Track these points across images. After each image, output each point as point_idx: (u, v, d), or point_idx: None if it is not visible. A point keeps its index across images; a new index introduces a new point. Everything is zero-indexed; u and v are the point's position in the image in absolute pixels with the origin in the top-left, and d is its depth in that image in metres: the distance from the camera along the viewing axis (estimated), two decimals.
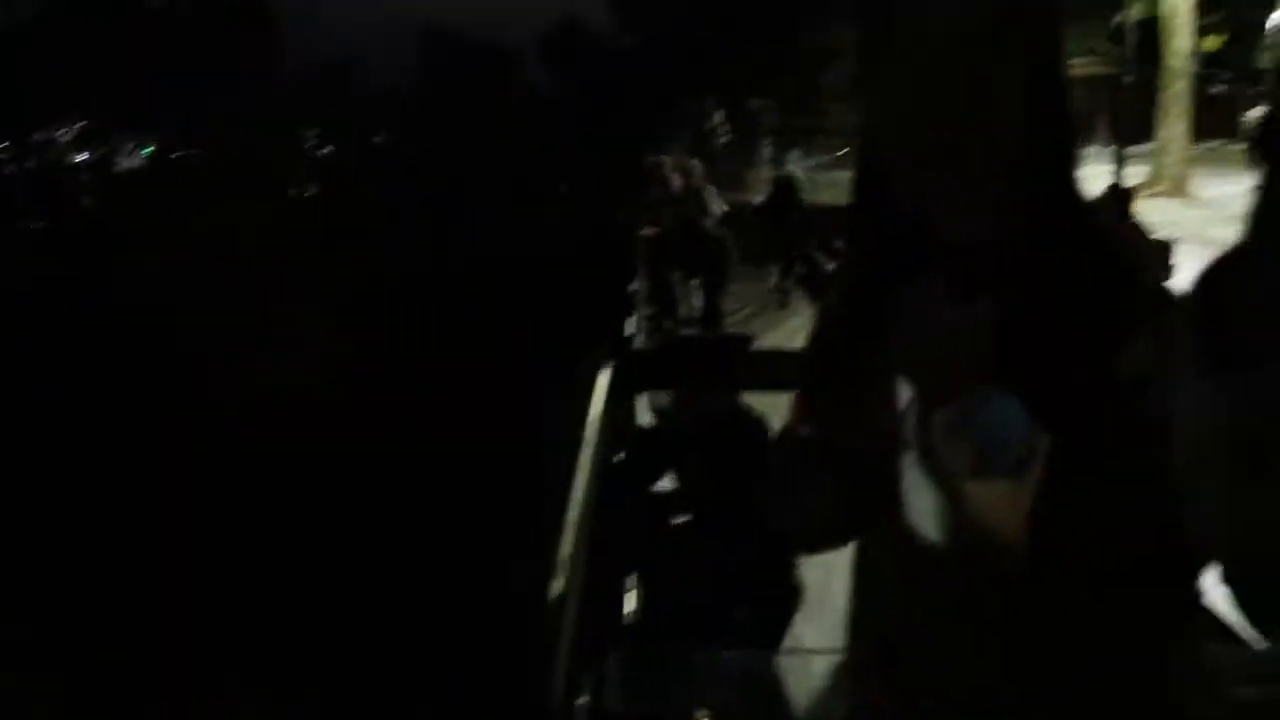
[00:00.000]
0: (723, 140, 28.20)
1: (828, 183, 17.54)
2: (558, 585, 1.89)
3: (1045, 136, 1.39)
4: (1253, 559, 1.21)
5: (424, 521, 5.30)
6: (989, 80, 1.33)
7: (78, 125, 41.96)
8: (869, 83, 1.30)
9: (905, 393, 1.41)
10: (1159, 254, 1.36)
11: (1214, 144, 27.18)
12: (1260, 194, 1.78)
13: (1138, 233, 1.04)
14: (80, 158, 41.70)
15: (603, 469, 2.30)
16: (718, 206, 10.80)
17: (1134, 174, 15.88)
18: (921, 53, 1.26)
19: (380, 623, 4.49)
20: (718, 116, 29.64)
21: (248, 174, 31.44)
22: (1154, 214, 12.18)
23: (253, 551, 5.16)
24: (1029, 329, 1.07)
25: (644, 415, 3.22)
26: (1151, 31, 21.33)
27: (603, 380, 2.49)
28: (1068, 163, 1.42)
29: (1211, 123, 26.60)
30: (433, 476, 5.71)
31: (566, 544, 1.95)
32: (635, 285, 8.09)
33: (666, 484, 3.11)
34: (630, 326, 6.23)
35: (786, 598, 2.92)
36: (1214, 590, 1.72)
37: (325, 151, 47.04)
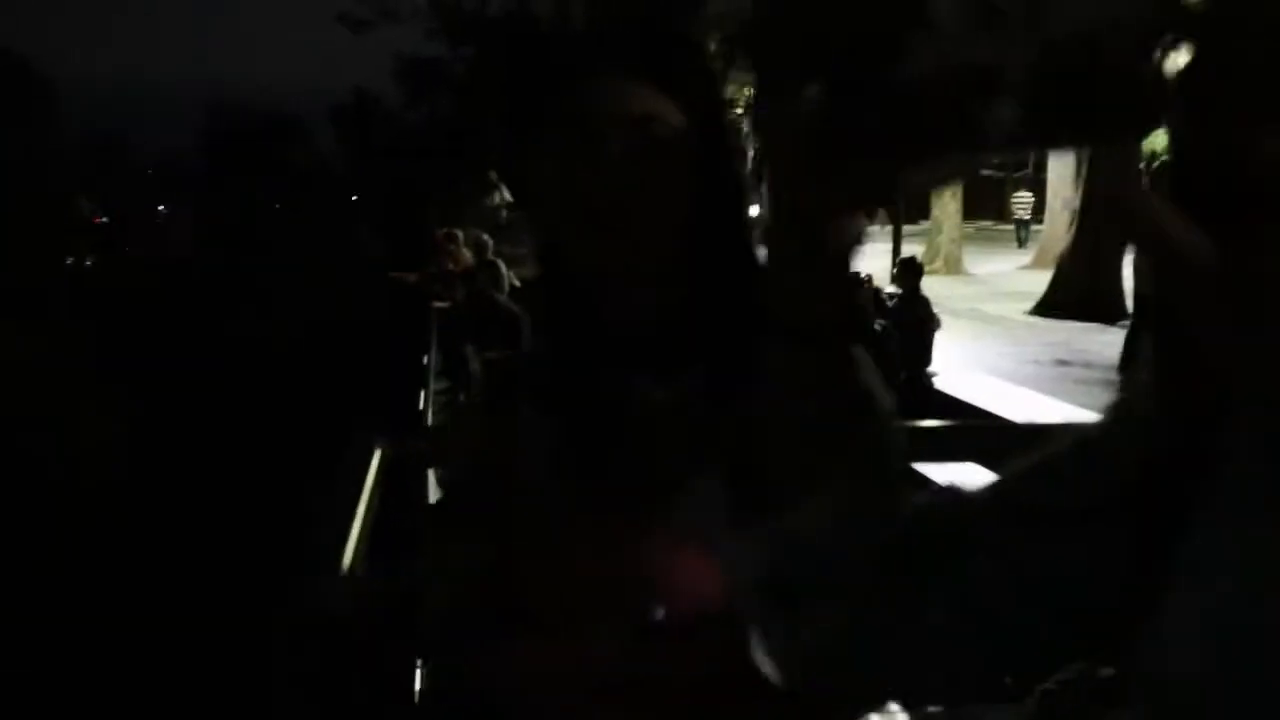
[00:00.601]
0: (509, 215, 28.17)
1: None
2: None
3: (715, 219, 1.47)
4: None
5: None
6: (645, 173, 1.40)
7: None
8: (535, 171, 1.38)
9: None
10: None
11: (985, 223, 28.27)
12: None
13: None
14: None
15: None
16: (507, 281, 10.83)
17: (910, 252, 16.43)
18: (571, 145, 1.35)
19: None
20: (504, 192, 29.62)
21: (19, 242, 30.52)
22: (931, 290, 12.63)
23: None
24: (723, 406, 1.04)
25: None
26: None
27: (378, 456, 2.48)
28: (740, 241, 1.49)
29: (981, 204, 27.71)
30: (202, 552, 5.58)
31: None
32: (428, 358, 8.06)
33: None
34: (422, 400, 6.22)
35: None
36: None
37: (102, 221, 45.95)
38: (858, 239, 0.80)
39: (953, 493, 0.95)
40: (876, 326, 8.88)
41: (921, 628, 0.91)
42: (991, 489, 0.94)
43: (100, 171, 49.00)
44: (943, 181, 0.69)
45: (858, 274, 10.39)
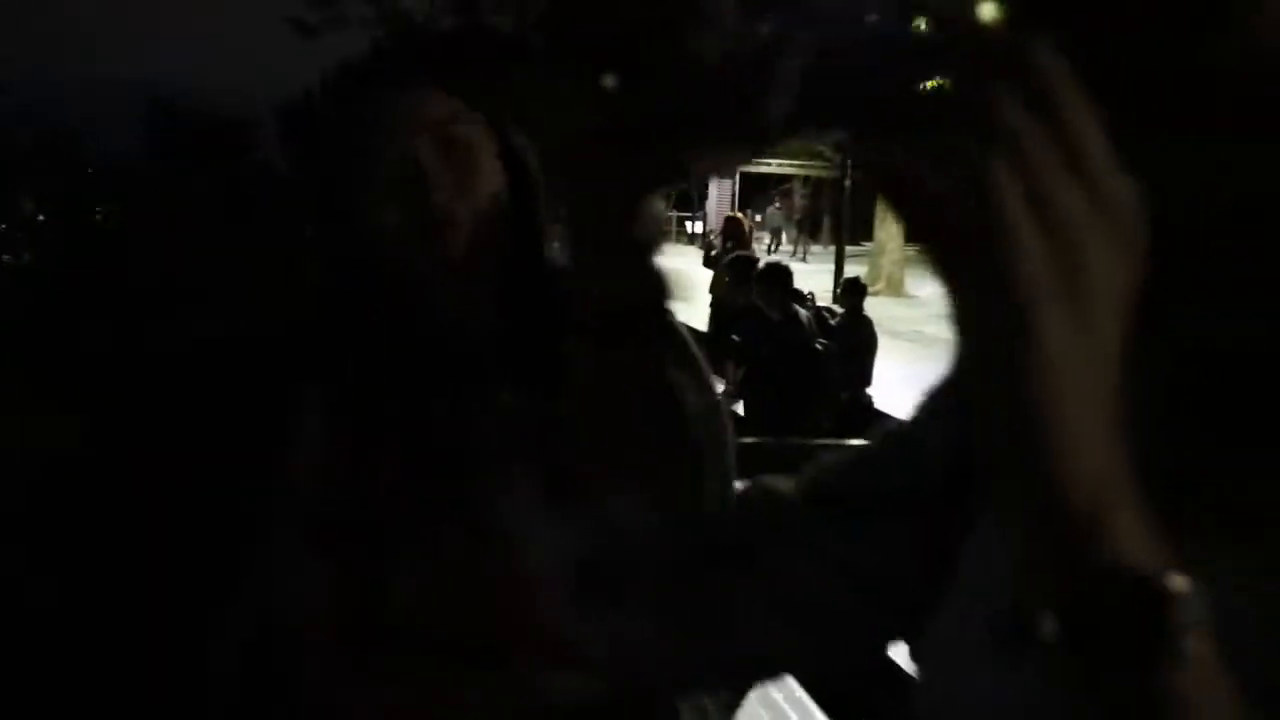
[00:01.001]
0: None
1: None
2: None
3: (518, 218, 1.60)
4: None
5: None
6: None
7: None
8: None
9: None
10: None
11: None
12: None
13: None
14: None
15: None
16: None
17: (854, 273, 16.50)
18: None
19: None
20: None
21: None
22: (873, 311, 12.65)
23: None
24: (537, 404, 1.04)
25: None
26: None
27: None
28: (539, 240, 1.62)
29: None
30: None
31: None
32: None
33: None
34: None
35: None
36: None
37: (40, 220, 45.27)
38: (656, 225, 0.80)
39: (770, 484, 0.99)
40: (819, 345, 8.88)
41: (737, 614, 0.95)
42: (807, 480, 1.00)
43: (51, 170, 48.21)
44: (727, 166, 0.70)
45: (800, 291, 10.43)
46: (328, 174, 1.66)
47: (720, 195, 39.20)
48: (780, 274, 9.26)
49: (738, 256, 9.81)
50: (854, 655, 1.00)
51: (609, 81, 0.67)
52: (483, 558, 1.48)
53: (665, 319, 1.51)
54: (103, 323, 15.72)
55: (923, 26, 0.57)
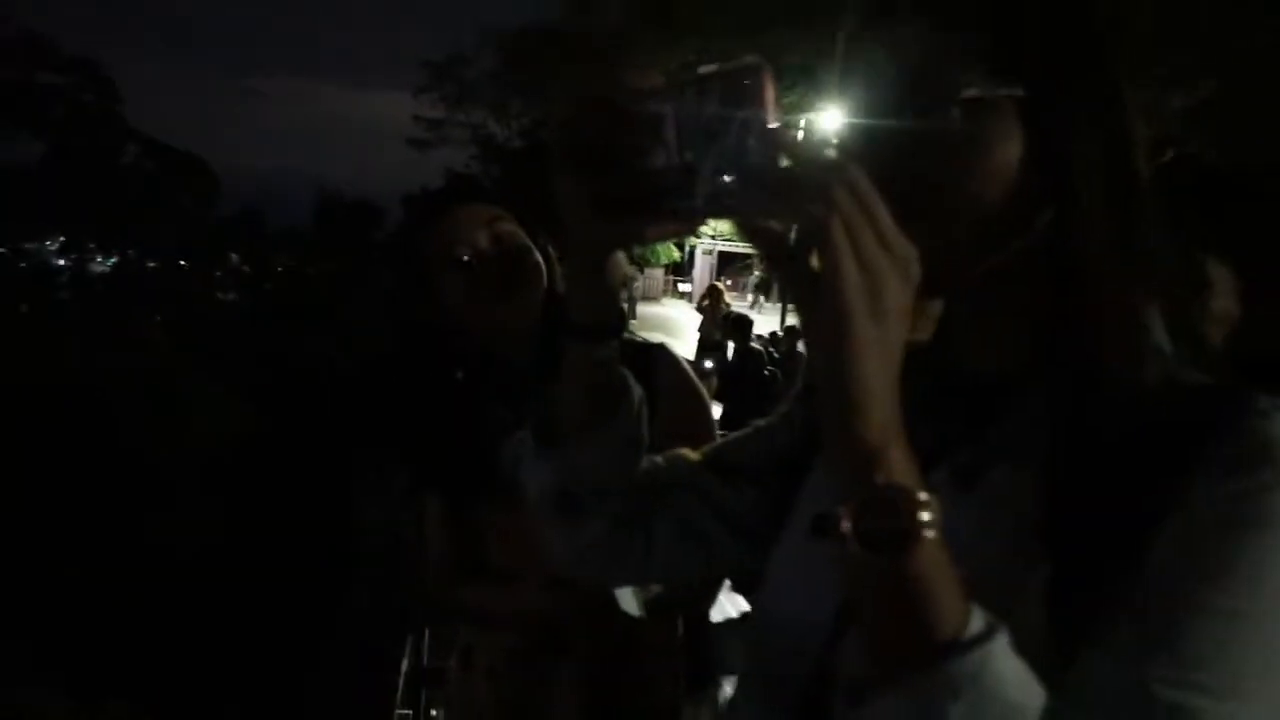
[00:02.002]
0: None
1: None
2: None
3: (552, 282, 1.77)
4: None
5: None
6: None
7: (60, 239, 40.15)
8: None
9: None
10: None
11: None
12: None
13: None
14: (61, 262, 40.11)
15: None
16: None
17: (793, 320, 16.41)
18: None
19: None
20: None
21: (188, 281, 30.36)
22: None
23: None
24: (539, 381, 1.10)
25: None
26: None
27: None
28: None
29: None
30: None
31: None
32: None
33: None
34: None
35: None
36: None
37: (245, 269, 46.00)
38: (623, 272, 0.89)
39: (685, 453, 1.07)
40: (767, 373, 8.83)
41: (654, 534, 1.03)
42: (712, 449, 1.07)
43: (245, 235, 48.94)
44: (667, 236, 0.78)
45: (760, 334, 10.39)
46: (418, 259, 1.74)
47: (704, 265, 39.65)
48: (743, 321, 9.33)
49: (728, 314, 9.81)
50: (722, 569, 1.12)
51: (594, 181, 0.76)
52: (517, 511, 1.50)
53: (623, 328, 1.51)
54: (279, 342, 15.77)
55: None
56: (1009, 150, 0.77)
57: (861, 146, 0.80)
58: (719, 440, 1.11)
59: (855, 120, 0.81)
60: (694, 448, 1.10)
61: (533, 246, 1.74)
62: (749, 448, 1.06)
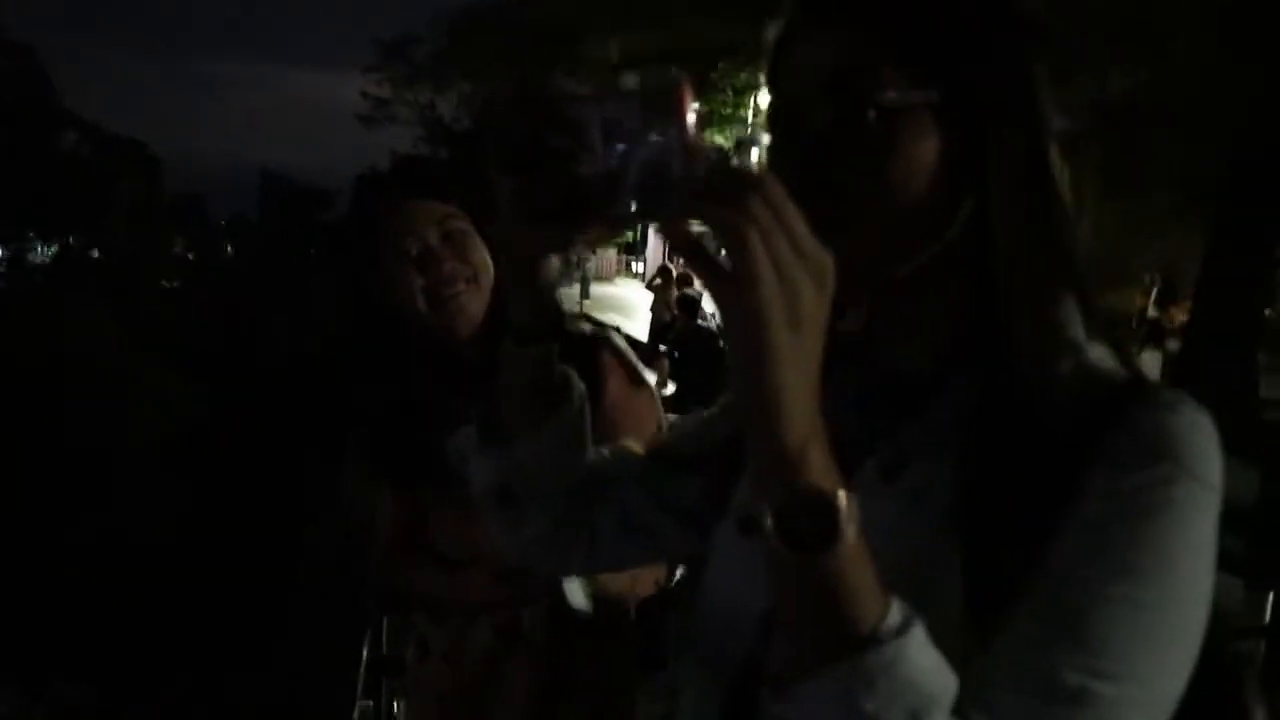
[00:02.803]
0: None
1: None
2: None
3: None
4: None
5: None
6: None
7: None
8: None
9: None
10: None
11: None
12: None
13: None
14: None
15: None
16: None
17: None
18: None
19: None
20: None
21: (132, 270, 29.84)
22: None
23: None
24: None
25: None
26: None
27: None
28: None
29: None
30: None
31: None
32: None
33: None
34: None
35: None
36: None
37: (189, 256, 45.41)
38: (557, 272, 0.90)
39: (628, 445, 1.09)
40: (721, 345, 8.85)
41: (596, 526, 1.04)
42: (653, 440, 1.10)
43: (190, 222, 48.19)
44: (595, 241, 0.81)
45: (697, 300, 10.41)
46: (370, 251, 1.76)
47: (656, 245, 39.69)
48: (691, 301, 9.37)
49: (681, 295, 9.82)
50: (670, 558, 1.16)
51: (523, 186, 0.78)
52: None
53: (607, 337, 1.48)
54: (223, 326, 15.56)
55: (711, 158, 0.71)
56: (926, 152, 0.79)
57: (781, 152, 0.82)
58: (665, 425, 1.11)
59: (775, 124, 0.84)
60: (639, 437, 1.11)
61: (482, 244, 1.75)
62: (692, 437, 1.07)
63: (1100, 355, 0.81)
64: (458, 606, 1.80)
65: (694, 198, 0.67)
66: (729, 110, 18.98)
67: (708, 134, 20.52)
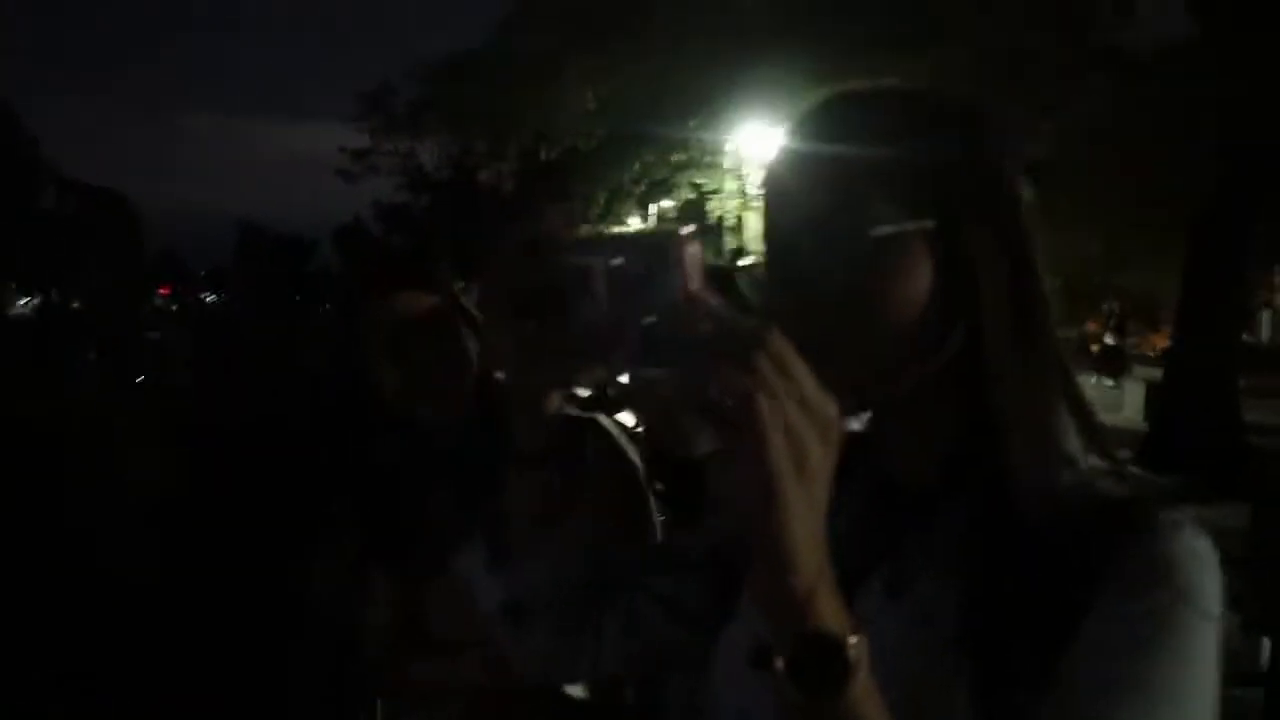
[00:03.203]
0: None
1: None
2: None
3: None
4: None
5: None
6: None
7: None
8: None
9: None
10: None
11: None
12: None
13: None
14: None
15: None
16: None
17: None
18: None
19: None
20: None
21: (113, 320, 29.73)
22: None
23: None
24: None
25: None
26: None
27: None
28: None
29: None
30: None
31: None
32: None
33: None
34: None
35: None
36: None
37: (172, 308, 45.60)
38: (556, 413, 0.93)
39: (629, 549, 1.12)
40: None
41: (603, 633, 1.04)
42: (656, 544, 1.14)
43: (171, 273, 48.29)
44: (597, 381, 0.84)
45: None
46: (354, 343, 1.80)
47: None
48: None
49: None
50: (674, 659, 1.09)
51: (530, 328, 0.80)
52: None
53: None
54: (206, 381, 15.43)
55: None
56: (921, 277, 0.81)
57: (775, 274, 0.85)
58: (652, 508, 1.11)
59: (768, 246, 0.86)
60: (626, 521, 1.12)
61: (463, 330, 1.78)
62: (695, 538, 1.08)
63: (1096, 467, 0.83)
64: (450, 693, 1.78)
65: (700, 357, 0.68)
66: (708, 156, 19.09)
67: (689, 175, 20.69)
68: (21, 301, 41.88)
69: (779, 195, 0.86)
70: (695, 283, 0.70)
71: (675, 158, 19.31)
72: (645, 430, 2.53)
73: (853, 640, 0.67)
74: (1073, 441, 0.83)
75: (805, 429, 0.66)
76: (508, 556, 1.00)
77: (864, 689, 0.67)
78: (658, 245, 0.71)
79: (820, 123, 0.86)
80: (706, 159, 19.09)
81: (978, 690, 0.75)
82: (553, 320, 0.77)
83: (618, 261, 0.72)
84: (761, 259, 0.88)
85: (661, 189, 23.57)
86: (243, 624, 4.65)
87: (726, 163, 18.70)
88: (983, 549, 0.79)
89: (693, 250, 0.71)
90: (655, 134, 18.49)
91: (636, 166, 20.55)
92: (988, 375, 0.81)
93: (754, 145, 17.94)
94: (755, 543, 0.68)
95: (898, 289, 0.81)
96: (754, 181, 18.85)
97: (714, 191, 21.15)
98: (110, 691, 4.27)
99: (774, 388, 0.65)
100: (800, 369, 0.67)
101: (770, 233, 0.88)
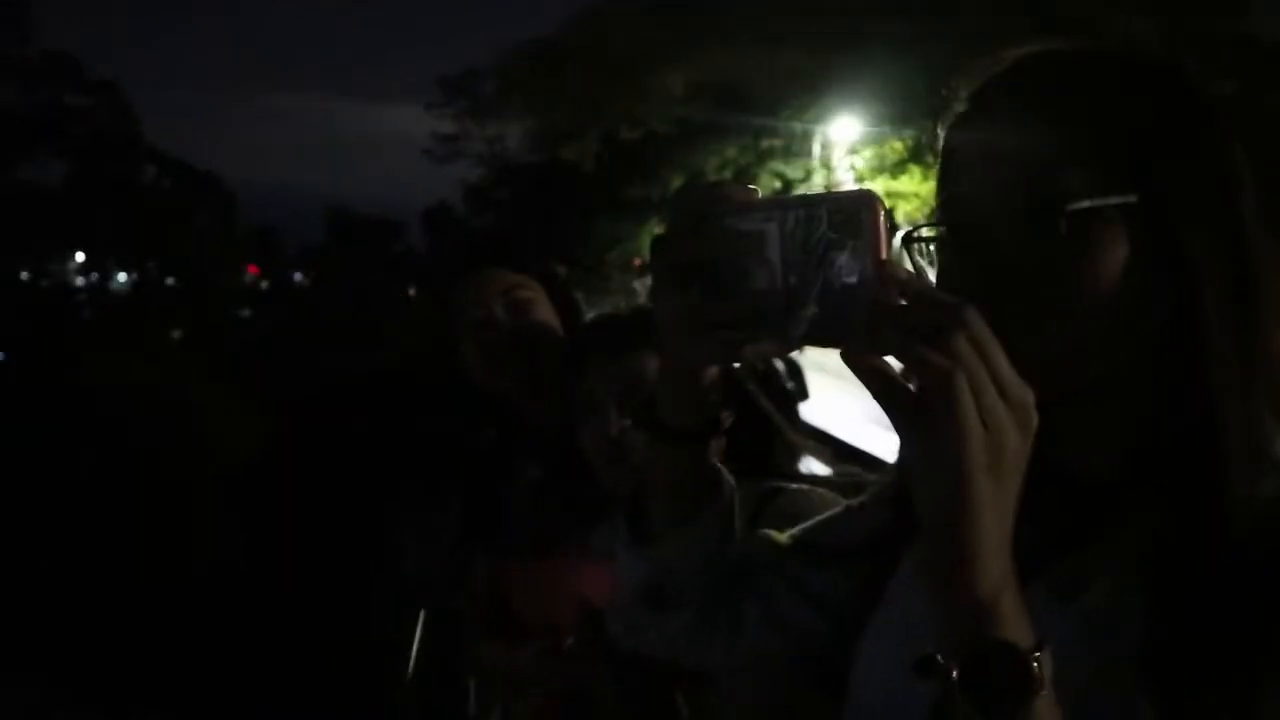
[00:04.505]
0: None
1: None
2: None
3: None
4: None
5: None
6: None
7: (80, 258, 40.88)
8: None
9: None
10: None
11: None
12: None
13: None
14: (81, 281, 40.69)
15: None
16: None
17: None
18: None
19: None
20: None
21: (206, 299, 30.55)
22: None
23: None
24: None
25: None
26: None
27: None
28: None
29: None
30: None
31: None
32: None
33: None
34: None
35: None
36: None
37: (263, 286, 46.63)
38: (714, 389, 0.87)
39: (770, 534, 1.04)
40: (788, 388, 8.71)
41: (742, 621, 1.00)
42: (796, 532, 1.04)
43: (261, 251, 49.37)
44: (764, 356, 0.82)
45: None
46: (442, 324, 1.79)
47: None
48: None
49: None
50: (809, 650, 1.04)
51: (693, 298, 0.74)
52: (572, 573, 1.57)
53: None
54: (295, 355, 15.68)
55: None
56: (1117, 257, 0.73)
57: (957, 252, 0.77)
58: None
59: (948, 219, 0.78)
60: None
61: (549, 310, 1.78)
62: (836, 528, 1.03)
63: None
64: (534, 681, 1.74)
65: (893, 332, 0.62)
66: (796, 143, 18.91)
67: (774, 165, 20.50)
68: (120, 276, 43.34)
69: (961, 165, 0.79)
70: (886, 251, 0.64)
71: (764, 144, 19.14)
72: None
73: (1039, 655, 0.61)
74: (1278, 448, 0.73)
75: (1003, 418, 0.61)
76: (650, 536, 0.96)
77: (1045, 706, 0.61)
78: (843, 210, 0.65)
79: (1006, 86, 0.78)
80: (794, 148, 18.89)
81: (1166, 710, 0.67)
82: (720, 291, 0.71)
83: (795, 226, 0.66)
84: (935, 232, 0.79)
85: (745, 178, 23.45)
86: (328, 600, 4.65)
87: (816, 151, 18.47)
88: (1180, 557, 0.70)
89: (880, 217, 0.64)
90: (743, 122, 18.32)
91: (724, 153, 20.41)
92: (1201, 367, 0.72)
93: (846, 135, 17.73)
94: (937, 540, 0.63)
95: (1093, 269, 0.72)
96: (842, 172, 18.67)
97: (801, 180, 20.91)
98: (194, 663, 4.32)
99: (975, 373, 0.60)
100: (998, 351, 0.61)
101: (950, 205, 0.79)
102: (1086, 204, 0.71)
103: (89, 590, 4.90)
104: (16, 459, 6.68)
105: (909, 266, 0.79)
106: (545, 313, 1.76)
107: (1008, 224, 0.74)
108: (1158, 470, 0.74)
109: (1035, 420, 0.63)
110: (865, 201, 0.65)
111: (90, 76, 36.58)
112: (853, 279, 0.64)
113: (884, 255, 0.64)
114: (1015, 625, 0.63)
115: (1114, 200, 0.72)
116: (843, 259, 0.65)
